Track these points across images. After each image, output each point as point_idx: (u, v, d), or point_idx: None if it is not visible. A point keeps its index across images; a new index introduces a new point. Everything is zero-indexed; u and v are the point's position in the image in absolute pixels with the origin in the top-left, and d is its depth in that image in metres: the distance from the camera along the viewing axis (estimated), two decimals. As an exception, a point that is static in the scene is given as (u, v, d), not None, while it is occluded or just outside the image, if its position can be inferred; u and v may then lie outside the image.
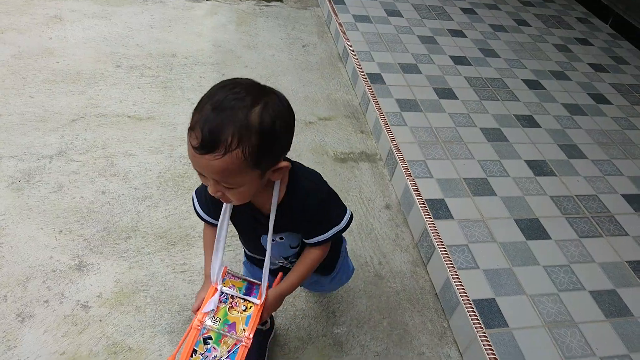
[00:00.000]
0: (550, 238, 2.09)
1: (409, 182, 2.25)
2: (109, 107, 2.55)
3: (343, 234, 1.32)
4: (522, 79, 3.12)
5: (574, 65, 3.37)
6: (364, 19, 3.46)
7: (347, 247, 1.65)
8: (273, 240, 1.23)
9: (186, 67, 2.92)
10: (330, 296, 1.91)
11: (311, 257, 1.28)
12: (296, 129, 1.05)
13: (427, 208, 2.13)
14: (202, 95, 0.99)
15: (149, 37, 3.11)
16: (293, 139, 1.06)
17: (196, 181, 2.27)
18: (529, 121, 2.76)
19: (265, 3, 3.72)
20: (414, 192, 2.20)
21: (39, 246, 1.89)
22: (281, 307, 1.84)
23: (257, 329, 1.24)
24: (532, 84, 3.09)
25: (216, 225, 1.21)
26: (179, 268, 1.89)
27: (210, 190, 1.03)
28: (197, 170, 1.01)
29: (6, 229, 1.92)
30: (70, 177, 2.17)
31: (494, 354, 1.65)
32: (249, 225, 1.25)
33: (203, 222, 1.31)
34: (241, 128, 0.93)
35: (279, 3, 3.75)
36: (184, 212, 2.10)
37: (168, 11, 3.40)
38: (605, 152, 2.63)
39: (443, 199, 2.19)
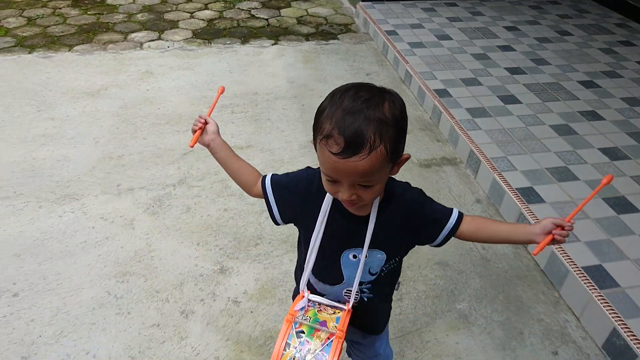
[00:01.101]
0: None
1: (496, 176, 2.45)
2: (212, 140, 2.85)
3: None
4: (576, 81, 3.34)
5: (622, 64, 3.58)
6: (418, 45, 3.77)
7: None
8: (355, 257, 1.15)
9: (269, 102, 3.24)
10: (445, 278, 2.09)
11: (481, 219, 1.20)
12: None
13: (520, 195, 2.32)
14: (322, 106, 1.00)
15: (230, 80, 3.46)
16: None
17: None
18: (592, 116, 2.96)
19: (324, 42, 4.07)
20: (503, 184, 2.40)
21: (183, 257, 2.15)
22: (404, 289, 2.04)
23: None
24: (588, 84, 3.30)
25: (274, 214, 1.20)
26: (307, 265, 2.12)
27: (344, 195, 1.00)
28: (330, 178, 1.00)
29: (152, 245, 2.20)
30: (194, 200, 2.45)
31: (612, 310, 1.80)
32: (340, 234, 1.14)
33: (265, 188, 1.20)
34: (379, 124, 0.94)
35: (336, 41, 4.10)
36: (299, 220, 2.34)
37: (241, 57, 3.78)
38: (672, 134, 2.79)
39: (532, 187, 2.38)
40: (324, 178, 1.02)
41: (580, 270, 1.96)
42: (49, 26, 4.11)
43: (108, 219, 2.32)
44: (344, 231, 1.13)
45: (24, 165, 2.61)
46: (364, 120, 0.93)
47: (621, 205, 2.29)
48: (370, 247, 1.11)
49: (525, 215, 2.23)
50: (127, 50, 3.81)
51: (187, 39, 4.02)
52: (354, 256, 1.14)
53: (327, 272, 1.19)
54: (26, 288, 1.98)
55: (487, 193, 2.53)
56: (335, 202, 1.10)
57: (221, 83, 3.39)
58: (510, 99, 3.10)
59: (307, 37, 4.15)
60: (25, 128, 2.89)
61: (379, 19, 4.20)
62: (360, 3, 4.51)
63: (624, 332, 1.74)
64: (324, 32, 4.26)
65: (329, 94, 1.02)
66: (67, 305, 1.92)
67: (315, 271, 1.20)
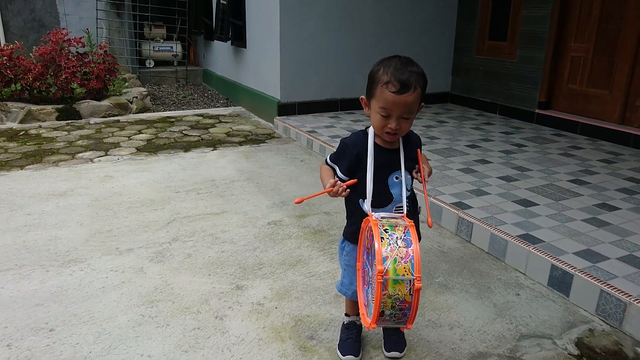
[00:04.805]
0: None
1: (433, 199, 3.13)
2: (189, 212, 3.22)
3: None
4: (463, 145, 4.31)
5: (491, 134, 4.70)
6: (336, 136, 4.60)
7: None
8: (397, 178, 1.65)
9: (227, 184, 3.72)
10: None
11: None
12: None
13: (455, 206, 2.99)
14: (375, 68, 1.57)
15: (186, 174, 3.91)
16: None
17: (284, 237, 2.96)
18: (483, 162, 3.87)
19: (256, 145, 4.74)
20: (440, 203, 3.07)
21: (199, 284, 2.42)
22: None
23: None
24: (472, 147, 4.29)
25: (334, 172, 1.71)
26: (307, 274, 2.50)
27: (392, 124, 1.53)
28: (384, 113, 1.52)
29: (168, 281, 2.44)
30: (191, 249, 2.75)
31: (547, 253, 2.42)
32: (383, 163, 1.63)
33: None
34: (417, 75, 1.52)
35: (265, 144, 4.80)
36: (289, 250, 2.75)
37: (188, 160, 4.27)
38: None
39: (460, 201, 3.08)
40: (377, 117, 1.54)
41: (515, 238, 2.59)
42: (-9, 155, 4.31)
43: (118, 270, 2.53)
44: (385, 160, 1.65)
45: (17, 247, 2.75)
46: (409, 72, 1.52)
47: (526, 203, 3.05)
48: (405, 167, 1.65)
49: (463, 217, 2.88)
50: (80, 165, 4.12)
51: (133, 153, 4.45)
52: (396, 177, 1.67)
53: (380, 197, 1.65)
54: (60, 324, 2.11)
55: (431, 213, 3.16)
56: (375, 145, 1.63)
57: (178, 178, 3.83)
58: (421, 159, 3.92)
59: (240, 143, 4.80)
60: (4, 222, 3.03)
61: (297, 125, 5.03)
62: (277, 117, 5.35)
63: (560, 264, 2.35)
64: (253, 139, 4.96)
65: (376, 64, 1.59)
66: (107, 329, 2.08)
67: (371, 203, 1.63)
